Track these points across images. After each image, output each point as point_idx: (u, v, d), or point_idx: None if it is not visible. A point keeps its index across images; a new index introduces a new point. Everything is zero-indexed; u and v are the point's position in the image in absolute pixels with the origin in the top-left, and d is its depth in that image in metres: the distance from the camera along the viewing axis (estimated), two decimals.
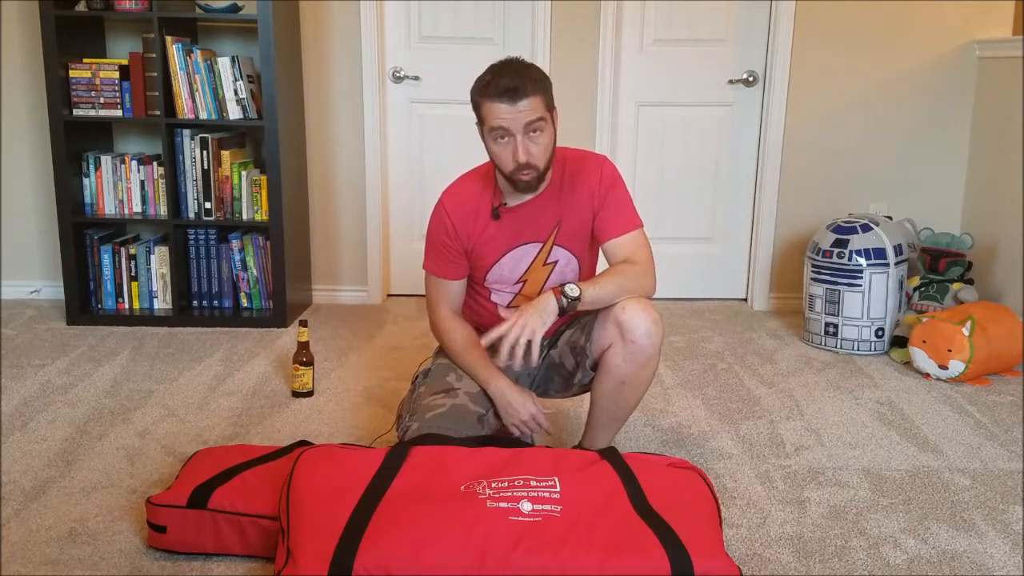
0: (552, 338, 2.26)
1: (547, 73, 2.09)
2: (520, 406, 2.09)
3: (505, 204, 2.11)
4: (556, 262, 2.15)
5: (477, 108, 1.99)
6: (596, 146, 3.77)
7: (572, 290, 1.95)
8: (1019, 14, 3.64)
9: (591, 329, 2.10)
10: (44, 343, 3.27)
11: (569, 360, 2.18)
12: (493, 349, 2.01)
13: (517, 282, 2.17)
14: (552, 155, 2.04)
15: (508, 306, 2.20)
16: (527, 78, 1.93)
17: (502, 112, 1.92)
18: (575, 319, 2.20)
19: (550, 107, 1.99)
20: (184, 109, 3.38)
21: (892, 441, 2.52)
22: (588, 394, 2.21)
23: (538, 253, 2.14)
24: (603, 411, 2.16)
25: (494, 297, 2.22)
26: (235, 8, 3.40)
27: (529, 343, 1.90)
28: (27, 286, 3.87)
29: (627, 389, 2.09)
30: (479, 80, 1.97)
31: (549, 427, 2.15)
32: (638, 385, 2.09)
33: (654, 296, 2.29)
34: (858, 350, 3.29)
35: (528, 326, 1.90)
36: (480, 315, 2.27)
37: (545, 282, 2.17)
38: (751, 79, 3.78)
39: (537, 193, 2.09)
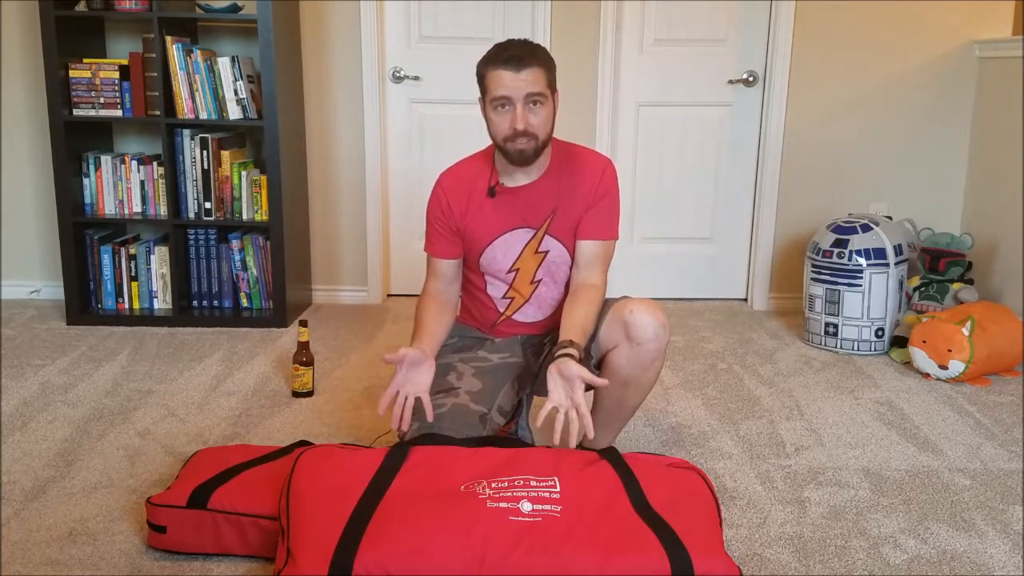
0: (552, 336, 2.26)
1: None
2: (396, 379, 2.00)
3: (502, 184, 2.12)
4: (547, 252, 2.16)
5: (481, 79, 2.02)
6: (596, 146, 3.76)
7: (572, 348, 1.90)
8: (1019, 14, 3.64)
9: (596, 330, 2.10)
10: (44, 343, 3.27)
11: None
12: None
13: (509, 271, 2.18)
14: (551, 131, 2.07)
15: (503, 298, 2.22)
16: (532, 52, 1.98)
17: (506, 79, 1.95)
18: None
19: (552, 86, 2.03)
20: (184, 109, 3.38)
21: (892, 441, 2.52)
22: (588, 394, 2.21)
23: (530, 240, 2.15)
24: (605, 412, 2.17)
25: (490, 290, 2.23)
26: (235, 8, 3.40)
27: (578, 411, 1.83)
28: (27, 286, 3.87)
29: (630, 390, 2.09)
30: (485, 54, 2.02)
31: (399, 421, 1.98)
32: (642, 387, 2.10)
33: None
34: (858, 350, 3.29)
35: (567, 400, 1.84)
36: (479, 310, 2.27)
37: (536, 271, 2.18)
38: (751, 79, 3.78)
39: (534, 179, 2.10)
